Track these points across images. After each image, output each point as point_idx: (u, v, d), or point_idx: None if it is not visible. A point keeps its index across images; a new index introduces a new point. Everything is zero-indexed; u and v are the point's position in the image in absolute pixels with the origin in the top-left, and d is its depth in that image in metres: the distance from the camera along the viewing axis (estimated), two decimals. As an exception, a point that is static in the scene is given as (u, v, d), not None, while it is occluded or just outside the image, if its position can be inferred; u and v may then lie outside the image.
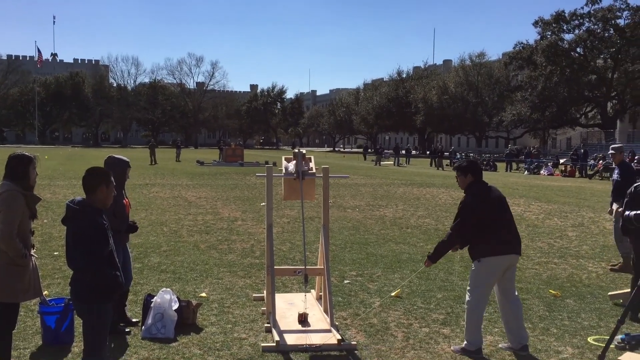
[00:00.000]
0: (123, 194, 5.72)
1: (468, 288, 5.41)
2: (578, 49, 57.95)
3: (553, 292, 7.49)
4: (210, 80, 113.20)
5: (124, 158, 5.84)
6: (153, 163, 38.21)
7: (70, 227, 3.95)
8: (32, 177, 4.68)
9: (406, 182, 26.19)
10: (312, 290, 7.14)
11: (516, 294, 5.50)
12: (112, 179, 4.17)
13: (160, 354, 5.18)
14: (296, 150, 6.48)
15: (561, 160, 42.31)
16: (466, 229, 5.31)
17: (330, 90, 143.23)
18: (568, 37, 58.25)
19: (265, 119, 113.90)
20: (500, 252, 5.22)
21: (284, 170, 6.50)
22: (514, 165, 44.25)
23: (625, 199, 6.91)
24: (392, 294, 7.23)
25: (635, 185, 6.86)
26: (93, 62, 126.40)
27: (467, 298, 5.37)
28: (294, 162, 6.45)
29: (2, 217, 4.45)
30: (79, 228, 3.89)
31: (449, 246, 5.46)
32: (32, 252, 4.76)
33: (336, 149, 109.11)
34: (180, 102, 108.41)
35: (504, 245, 5.25)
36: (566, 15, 57.37)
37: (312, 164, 6.52)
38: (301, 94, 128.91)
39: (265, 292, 6.61)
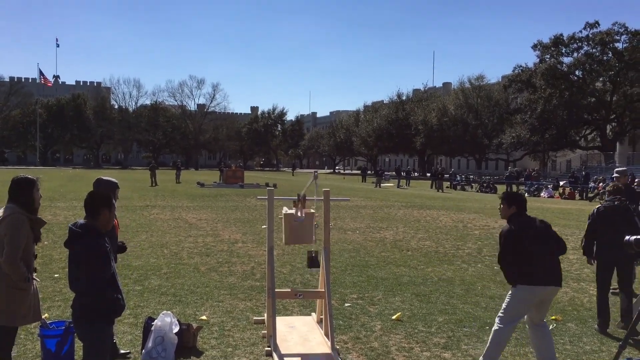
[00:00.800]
0: None
1: (500, 311, 5.36)
2: (577, 72, 58.50)
3: (554, 317, 7.46)
4: (211, 102, 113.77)
5: (113, 180, 5.89)
6: (153, 185, 38.23)
7: (72, 249, 3.97)
8: (36, 199, 4.70)
9: (406, 204, 26.19)
10: (313, 314, 7.12)
11: (544, 321, 5.45)
12: (114, 202, 4.20)
13: (160, 378, 5.15)
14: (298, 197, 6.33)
15: (561, 183, 42.34)
16: (508, 256, 5.29)
17: (330, 112, 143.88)
18: (567, 60, 59.00)
19: (266, 140, 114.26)
20: (537, 282, 5.16)
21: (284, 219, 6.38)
22: (514, 188, 44.10)
23: (589, 221, 7.23)
24: (394, 317, 7.21)
25: (597, 207, 7.16)
26: (95, 84, 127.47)
27: (497, 320, 5.32)
28: (295, 208, 6.37)
29: (7, 240, 4.46)
30: (82, 251, 3.91)
31: (510, 274, 5.35)
32: (34, 275, 4.76)
33: (336, 170, 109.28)
34: (181, 124, 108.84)
35: (541, 275, 5.18)
36: (565, 38, 58.09)
37: (312, 210, 6.43)
38: (301, 115, 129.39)
39: (265, 315, 6.59)
